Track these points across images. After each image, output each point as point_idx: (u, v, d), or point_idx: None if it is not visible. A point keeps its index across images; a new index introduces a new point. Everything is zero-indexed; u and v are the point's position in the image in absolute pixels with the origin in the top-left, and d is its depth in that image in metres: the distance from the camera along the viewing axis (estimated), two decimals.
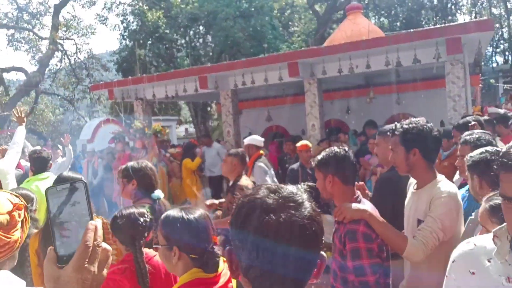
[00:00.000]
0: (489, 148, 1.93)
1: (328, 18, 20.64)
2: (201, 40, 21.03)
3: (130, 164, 2.87)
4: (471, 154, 1.95)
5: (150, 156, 7.50)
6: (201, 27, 20.34)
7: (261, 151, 5.03)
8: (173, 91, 9.17)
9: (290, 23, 23.87)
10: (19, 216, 1.26)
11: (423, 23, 26.06)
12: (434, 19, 26.45)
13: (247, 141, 5.15)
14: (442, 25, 11.09)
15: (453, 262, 1.32)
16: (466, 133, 2.67)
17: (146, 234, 2.06)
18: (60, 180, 2.60)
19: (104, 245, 0.77)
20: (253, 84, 8.10)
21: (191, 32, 20.09)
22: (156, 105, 12.78)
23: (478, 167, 1.87)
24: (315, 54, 7.36)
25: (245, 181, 3.68)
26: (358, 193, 2.10)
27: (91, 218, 0.76)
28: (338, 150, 2.08)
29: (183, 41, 20.01)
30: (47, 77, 21.56)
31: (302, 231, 0.84)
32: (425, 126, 2.06)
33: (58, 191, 0.75)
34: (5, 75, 21.52)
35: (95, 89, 10.76)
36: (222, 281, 1.63)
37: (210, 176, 8.52)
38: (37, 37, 21.86)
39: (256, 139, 5.15)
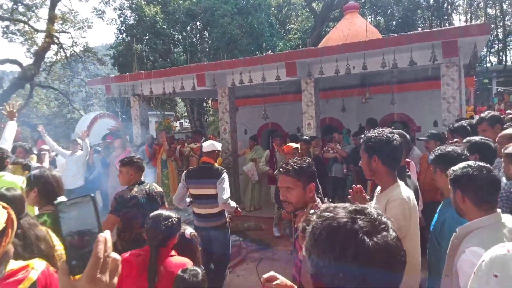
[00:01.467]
0: (471, 162, 1.92)
1: (325, 16, 20.69)
2: (198, 36, 20.99)
3: (32, 172, 2.94)
4: (454, 168, 1.93)
5: (160, 151, 7.53)
6: (198, 23, 20.30)
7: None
8: (171, 88, 9.19)
9: (287, 20, 23.90)
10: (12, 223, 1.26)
11: (419, 22, 26.22)
12: (430, 19, 26.61)
13: (213, 147, 4.48)
14: (439, 28, 11.18)
15: (482, 261, 1.36)
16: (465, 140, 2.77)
17: (164, 236, 2.33)
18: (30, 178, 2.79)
19: (114, 254, 0.80)
20: (250, 82, 8.15)
21: (188, 28, 20.05)
22: (153, 101, 12.78)
23: (460, 181, 1.86)
24: (313, 54, 7.42)
25: None
26: (318, 200, 2.17)
27: (100, 230, 0.80)
28: (385, 134, 2.23)
29: (180, 37, 19.96)
30: (43, 70, 21.40)
31: (397, 251, 0.82)
32: (385, 136, 2.18)
33: (68, 205, 0.79)
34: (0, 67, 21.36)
35: (92, 84, 10.74)
36: None
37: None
38: (32, 30, 21.65)
39: (220, 144, 4.67)
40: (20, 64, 20.48)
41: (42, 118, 22.47)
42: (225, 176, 4.16)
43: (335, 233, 0.82)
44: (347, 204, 0.89)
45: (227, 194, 4.06)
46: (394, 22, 25.38)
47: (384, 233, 0.82)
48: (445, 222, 2.20)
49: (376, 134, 2.20)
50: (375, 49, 6.92)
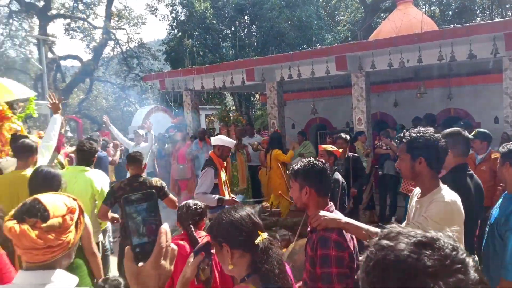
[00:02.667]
0: None
1: (376, 7, 20.02)
2: (246, 31, 21.18)
3: None
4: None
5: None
6: (246, 18, 20.47)
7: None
8: (221, 83, 9.42)
9: (336, 12, 23.42)
10: (71, 220, 1.33)
11: (478, 11, 24.61)
12: (490, 8, 24.87)
13: (219, 141, 4.58)
14: (502, 19, 10.49)
15: None
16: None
17: (194, 218, 2.74)
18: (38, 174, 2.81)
19: (172, 245, 0.92)
20: (299, 77, 8.14)
21: (237, 23, 20.29)
22: (203, 95, 13.14)
23: None
24: (365, 47, 7.27)
25: None
26: (331, 204, 2.15)
27: (161, 223, 0.90)
28: (316, 163, 2.12)
29: (228, 32, 20.26)
30: (101, 65, 22.68)
31: None
32: (432, 136, 2.07)
33: (133, 199, 0.88)
34: (61, 62, 22.89)
35: (147, 79, 11.25)
36: None
37: (250, 165, 8.81)
38: (91, 27, 22.99)
39: (228, 140, 4.67)
40: (80, 60, 21.85)
41: (101, 111, 23.84)
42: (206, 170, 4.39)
43: (390, 269, 0.66)
44: (414, 231, 0.71)
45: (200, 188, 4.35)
46: (450, 12, 24.03)
47: (460, 276, 0.63)
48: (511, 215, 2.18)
49: (422, 134, 2.08)
50: (431, 41, 6.66)
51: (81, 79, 21.59)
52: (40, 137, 4.88)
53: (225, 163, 4.69)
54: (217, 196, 4.28)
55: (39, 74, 17.49)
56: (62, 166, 5.00)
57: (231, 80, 9.10)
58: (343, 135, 5.80)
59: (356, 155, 5.89)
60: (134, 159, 4.01)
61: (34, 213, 1.26)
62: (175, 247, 0.92)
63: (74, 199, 1.42)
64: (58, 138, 4.45)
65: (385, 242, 0.70)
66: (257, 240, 1.45)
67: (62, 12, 22.84)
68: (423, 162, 2.07)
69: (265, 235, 1.49)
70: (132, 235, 0.87)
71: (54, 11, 21.88)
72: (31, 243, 1.22)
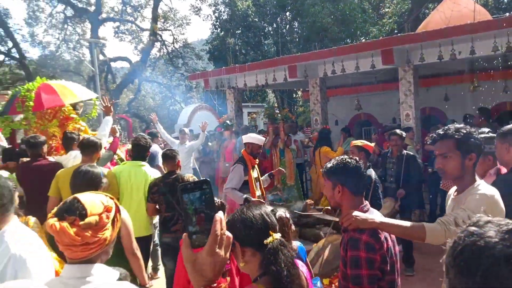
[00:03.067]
0: None
1: None
2: (287, 27, 21.09)
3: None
4: None
5: (269, 143, 7.71)
6: (288, 14, 20.38)
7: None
8: (263, 80, 9.47)
9: (381, 4, 22.67)
10: (107, 218, 1.39)
11: None
12: None
13: (248, 139, 4.71)
14: None
15: None
16: None
17: None
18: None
19: (227, 233, 0.93)
20: (343, 72, 8.00)
21: (278, 19, 20.25)
22: (246, 93, 13.28)
23: None
24: (413, 40, 6.99)
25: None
26: (366, 202, 2.09)
27: (216, 211, 0.92)
28: (349, 160, 2.07)
29: (270, 29, 20.28)
30: (148, 66, 23.56)
31: None
32: (479, 134, 2.03)
33: (188, 188, 0.91)
34: (112, 64, 24.02)
35: (192, 78, 11.54)
36: None
37: (298, 163, 8.71)
38: (138, 29, 23.92)
39: (258, 137, 4.78)
40: (129, 61, 22.82)
41: (149, 110, 24.81)
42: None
43: (480, 255, 0.68)
44: (503, 220, 0.74)
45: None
46: None
47: None
48: None
49: (472, 131, 2.01)
50: (485, 32, 6.30)
51: (130, 80, 22.55)
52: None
53: (257, 160, 4.74)
54: (244, 195, 4.36)
55: (91, 76, 18.49)
56: (123, 161, 5.36)
57: (273, 77, 9.12)
58: (398, 131, 5.39)
59: (411, 153, 5.44)
60: (168, 157, 4.16)
61: (73, 211, 1.34)
62: (230, 235, 0.93)
63: (111, 198, 1.48)
64: (114, 141, 4.89)
65: (473, 228, 0.73)
66: (266, 240, 1.45)
67: (111, 15, 23.95)
68: (473, 159, 2.01)
69: (276, 235, 1.48)
70: (188, 223, 0.90)
71: (104, 15, 23.00)
72: (70, 239, 1.29)
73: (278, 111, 19.25)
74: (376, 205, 4.10)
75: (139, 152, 4.26)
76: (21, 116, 5.36)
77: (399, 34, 7.71)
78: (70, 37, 23.84)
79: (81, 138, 4.44)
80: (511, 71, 8.82)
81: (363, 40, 17.20)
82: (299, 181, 8.10)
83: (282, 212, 2.90)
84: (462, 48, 6.69)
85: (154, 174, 4.27)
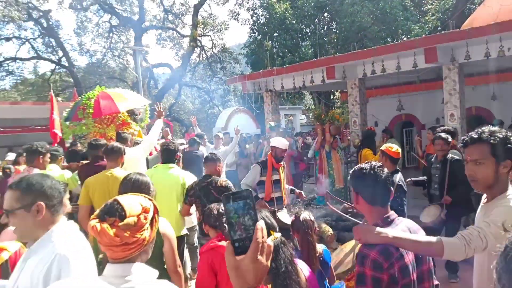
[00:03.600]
0: None
1: None
2: (325, 28, 20.88)
3: None
4: None
5: (318, 143, 7.68)
6: (326, 15, 20.17)
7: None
8: (301, 82, 9.43)
9: (423, 1, 21.90)
10: (145, 219, 1.43)
11: None
12: None
13: (274, 143, 4.93)
14: None
15: None
16: None
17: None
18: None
19: (268, 241, 0.95)
20: (383, 72, 7.80)
21: (316, 21, 20.09)
22: (284, 95, 13.28)
23: None
24: (458, 37, 6.70)
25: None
26: (391, 213, 1.93)
27: (257, 220, 0.95)
28: (366, 167, 1.91)
29: (307, 30, 20.17)
30: (188, 71, 24.17)
31: None
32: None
33: (232, 197, 0.96)
34: (154, 70, 24.86)
35: (230, 82, 11.73)
36: None
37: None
38: (179, 35, 24.61)
39: (282, 142, 4.93)
40: (170, 67, 23.52)
41: (189, 114, 25.41)
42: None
43: None
44: None
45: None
46: None
47: None
48: None
49: (509, 135, 1.85)
50: None
51: (171, 85, 23.23)
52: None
53: (283, 163, 4.96)
54: (255, 194, 4.71)
55: (135, 82, 19.22)
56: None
57: (311, 79, 9.06)
58: (443, 135, 4.90)
59: (457, 157, 4.93)
60: (208, 159, 4.28)
61: (113, 213, 1.39)
62: (271, 243, 0.96)
63: (149, 199, 1.53)
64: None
65: None
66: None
67: (154, 23, 24.82)
68: (508, 166, 1.86)
69: (277, 235, 1.49)
70: (231, 230, 0.94)
71: (147, 23, 23.89)
72: (110, 240, 1.35)
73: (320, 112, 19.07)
74: (397, 212, 3.89)
75: (168, 155, 4.43)
76: (83, 121, 6.01)
77: (443, 32, 7.41)
78: (115, 45, 24.93)
79: (133, 140, 5.09)
80: None
81: (405, 39, 16.69)
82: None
83: (306, 215, 2.89)
84: (511, 44, 6.33)
85: (184, 175, 4.43)
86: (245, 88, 10.85)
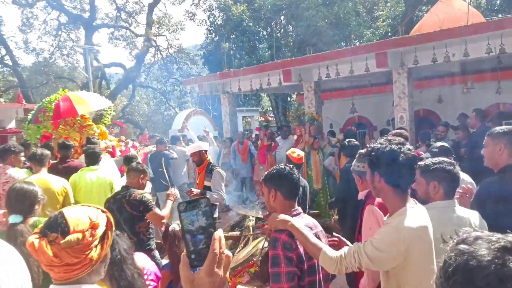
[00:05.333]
0: None
1: (418, 0, 19.27)
2: (282, 31, 21.12)
3: None
4: None
5: (302, 144, 7.59)
6: (282, 18, 20.41)
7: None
8: (258, 84, 9.44)
9: (375, 7, 22.79)
10: (92, 236, 1.25)
11: None
12: None
13: (197, 148, 4.94)
14: None
15: None
16: None
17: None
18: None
19: (226, 251, 0.89)
20: (337, 76, 7.99)
21: (273, 23, 20.28)
22: (241, 97, 13.25)
23: None
24: (407, 43, 7.01)
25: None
26: (298, 208, 2.22)
27: (215, 229, 0.89)
28: (282, 168, 2.23)
29: (264, 33, 20.30)
30: (142, 71, 23.50)
31: None
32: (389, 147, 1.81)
33: (187, 206, 0.89)
34: (106, 70, 23.92)
35: (187, 83, 11.53)
36: None
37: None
38: (133, 34, 23.86)
39: (205, 145, 5.14)
40: (123, 67, 22.74)
41: (143, 116, 24.73)
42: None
43: (473, 276, 0.64)
44: (493, 235, 0.69)
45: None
46: (497, 1, 22.64)
47: None
48: None
49: (379, 146, 1.83)
50: (478, 34, 6.32)
51: (124, 86, 22.46)
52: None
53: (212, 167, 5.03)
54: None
55: (85, 82, 18.39)
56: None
57: (268, 81, 9.11)
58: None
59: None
60: (130, 169, 3.86)
61: (55, 228, 1.23)
62: (229, 253, 0.90)
63: (103, 211, 1.35)
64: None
65: (463, 246, 0.68)
66: None
67: (106, 21, 23.89)
68: (382, 181, 1.83)
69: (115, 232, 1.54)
70: (186, 241, 0.89)
71: (98, 21, 22.92)
72: (48, 260, 1.19)
73: (273, 116, 19.18)
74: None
75: (92, 158, 4.57)
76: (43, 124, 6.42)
77: (393, 37, 7.72)
78: (64, 44, 23.73)
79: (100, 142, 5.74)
80: (504, 72, 8.85)
81: (357, 44, 17.25)
82: (327, 186, 7.53)
83: (176, 225, 2.93)
84: (456, 50, 6.70)
85: (110, 175, 4.58)
86: (202, 89, 10.70)
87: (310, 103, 9.14)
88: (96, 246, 1.27)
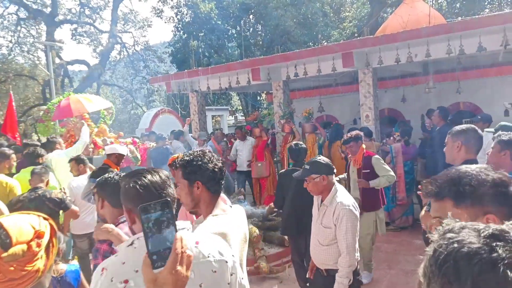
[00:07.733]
0: None
1: (383, 2, 19.80)
2: (251, 30, 21.13)
3: None
4: None
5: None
6: (251, 17, 20.42)
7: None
8: (227, 83, 9.38)
9: (341, 8, 23.22)
10: (38, 246, 1.17)
11: (486, 3, 24.16)
12: None
13: (113, 150, 4.95)
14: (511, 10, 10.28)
15: None
16: None
17: None
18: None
19: (188, 251, 0.91)
20: (305, 75, 8.07)
21: (242, 22, 20.25)
22: (210, 96, 13.13)
23: None
24: (372, 43, 7.15)
25: None
26: (122, 216, 2.12)
27: (176, 230, 0.91)
28: (111, 176, 2.26)
29: (233, 31, 20.24)
30: (108, 69, 22.84)
31: None
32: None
33: (149, 207, 0.90)
34: (69, 67, 23.05)
35: (154, 81, 11.28)
36: None
37: (240, 171, 8.76)
38: (97, 31, 23.14)
39: (121, 148, 5.11)
40: (87, 64, 22.00)
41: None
42: None
43: (467, 263, 0.65)
44: (479, 225, 0.71)
45: None
46: (458, 4, 23.63)
47: None
48: None
49: (193, 157, 1.88)
50: (439, 35, 6.54)
51: (88, 84, 21.74)
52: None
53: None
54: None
55: (47, 80, 17.64)
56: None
57: (237, 80, 9.06)
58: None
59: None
60: (34, 172, 3.95)
61: None
62: (191, 253, 0.92)
63: (45, 218, 1.25)
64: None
65: (451, 235, 0.70)
66: None
67: (68, 17, 23.03)
68: (201, 186, 1.87)
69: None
70: (148, 243, 0.90)
71: (61, 17, 22.06)
72: None
73: (243, 114, 19.13)
74: None
75: (31, 159, 4.65)
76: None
77: (358, 38, 7.87)
78: (24, 40, 22.66)
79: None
80: (464, 73, 9.24)
81: (325, 44, 17.52)
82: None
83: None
84: (418, 51, 6.91)
85: (51, 176, 4.46)
86: (169, 88, 10.50)
87: (279, 102, 9.18)
88: (41, 257, 1.17)
